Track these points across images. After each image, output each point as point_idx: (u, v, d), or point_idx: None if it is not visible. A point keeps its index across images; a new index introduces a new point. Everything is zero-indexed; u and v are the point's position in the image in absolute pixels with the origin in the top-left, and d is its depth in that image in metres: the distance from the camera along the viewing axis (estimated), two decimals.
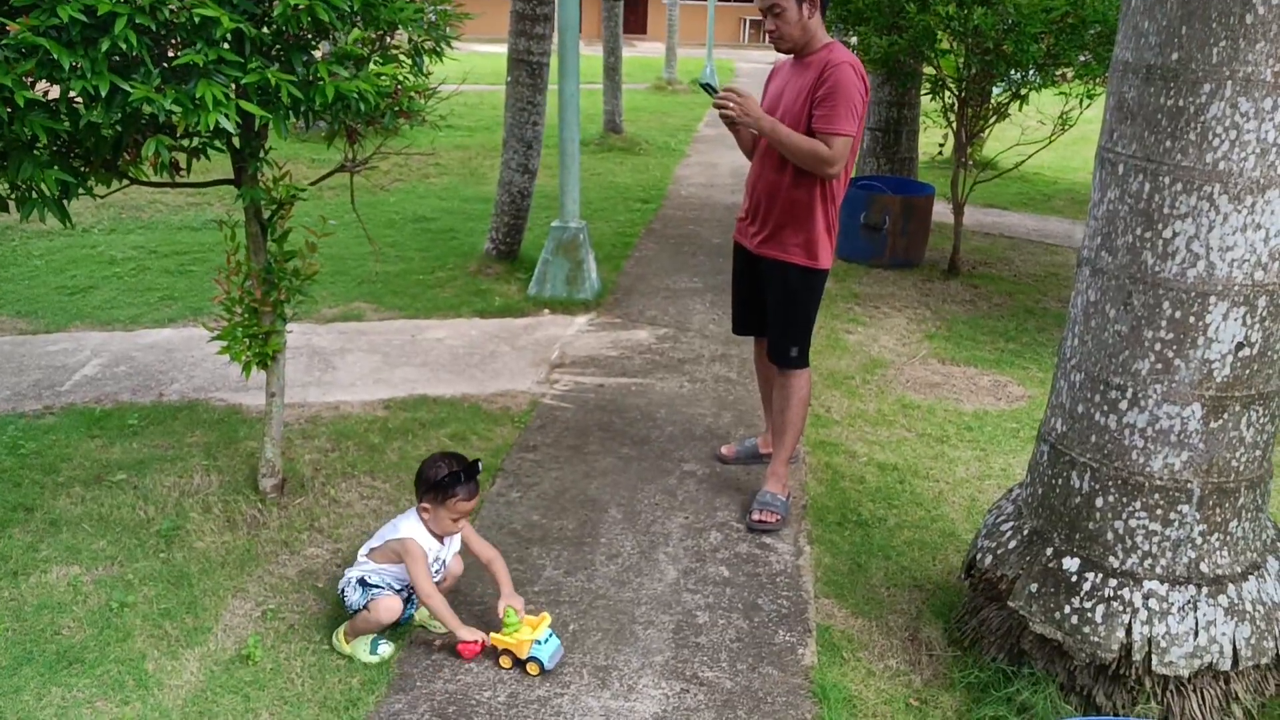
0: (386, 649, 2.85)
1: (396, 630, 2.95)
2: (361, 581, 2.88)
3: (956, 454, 4.26)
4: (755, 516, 3.58)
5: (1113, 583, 2.57)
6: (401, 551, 2.83)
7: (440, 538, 2.89)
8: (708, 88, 3.32)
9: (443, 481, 2.79)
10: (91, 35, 2.51)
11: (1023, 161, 8.09)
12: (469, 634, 2.81)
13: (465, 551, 3.04)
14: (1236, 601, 2.56)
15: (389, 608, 2.81)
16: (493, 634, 2.82)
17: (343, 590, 2.91)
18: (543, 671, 2.77)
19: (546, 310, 5.90)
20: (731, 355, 5.22)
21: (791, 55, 3.42)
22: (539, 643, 2.77)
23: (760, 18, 3.41)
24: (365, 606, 2.83)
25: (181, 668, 2.78)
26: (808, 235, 3.42)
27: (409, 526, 2.86)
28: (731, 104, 3.26)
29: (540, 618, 2.83)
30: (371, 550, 2.91)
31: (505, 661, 2.80)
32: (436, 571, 2.90)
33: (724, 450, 4.12)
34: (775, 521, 3.57)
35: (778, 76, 3.55)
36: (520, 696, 2.71)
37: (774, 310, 3.58)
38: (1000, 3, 5.91)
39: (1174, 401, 2.47)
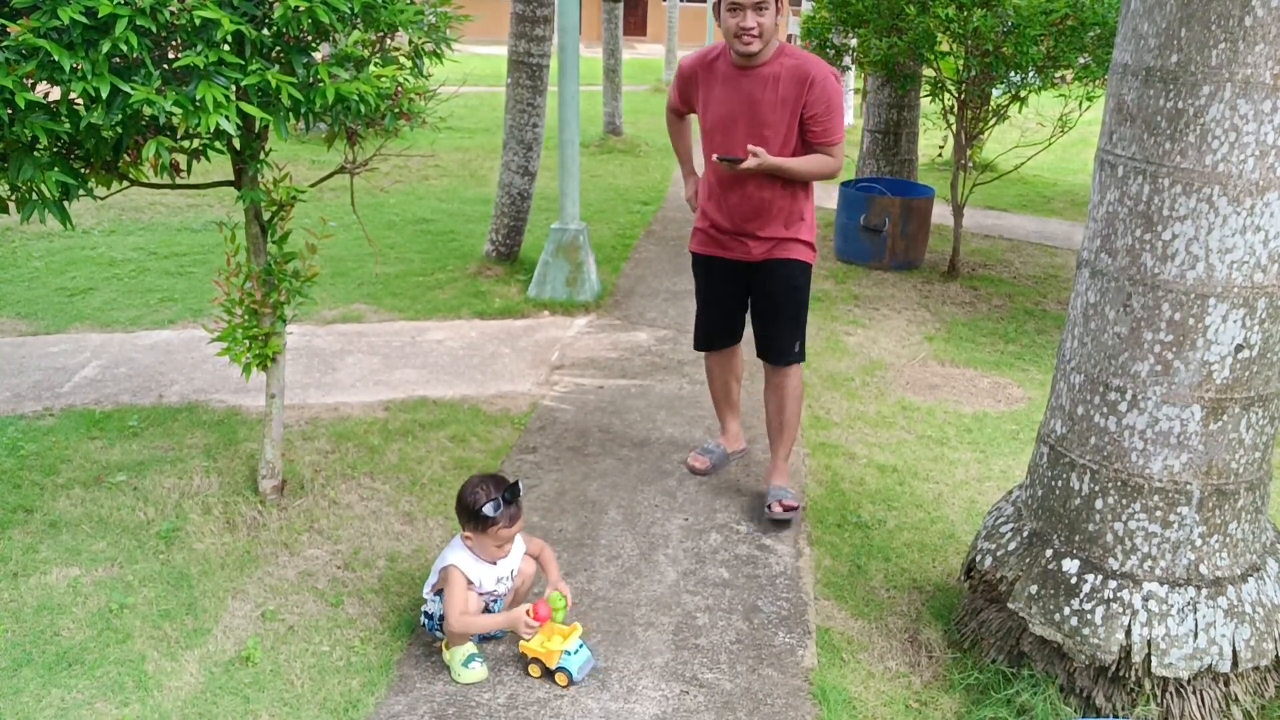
0: (479, 668, 2.78)
1: (483, 645, 2.90)
2: (437, 593, 2.86)
3: (956, 456, 4.26)
4: (778, 505, 3.54)
5: (1112, 584, 2.58)
6: (444, 579, 2.79)
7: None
8: (726, 161, 3.38)
9: (481, 514, 2.73)
10: (92, 37, 2.52)
11: (1022, 164, 8.13)
12: (515, 616, 2.75)
13: None
14: (1236, 603, 2.56)
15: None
16: (522, 642, 2.79)
17: (425, 614, 2.89)
18: (571, 682, 2.74)
19: (546, 312, 5.90)
20: None
21: (744, 59, 3.32)
22: (569, 653, 2.75)
23: (725, 15, 3.26)
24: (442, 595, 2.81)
25: (181, 669, 2.77)
26: (807, 233, 3.60)
27: (453, 555, 2.82)
28: (753, 162, 3.33)
29: (571, 628, 2.80)
30: (433, 585, 2.88)
31: (534, 671, 2.78)
32: (500, 582, 2.87)
33: (694, 463, 3.99)
34: (798, 507, 3.60)
35: (718, 84, 3.42)
36: (520, 698, 2.70)
37: (781, 310, 3.63)
38: (1000, 5, 5.92)
39: (1173, 403, 2.47)
